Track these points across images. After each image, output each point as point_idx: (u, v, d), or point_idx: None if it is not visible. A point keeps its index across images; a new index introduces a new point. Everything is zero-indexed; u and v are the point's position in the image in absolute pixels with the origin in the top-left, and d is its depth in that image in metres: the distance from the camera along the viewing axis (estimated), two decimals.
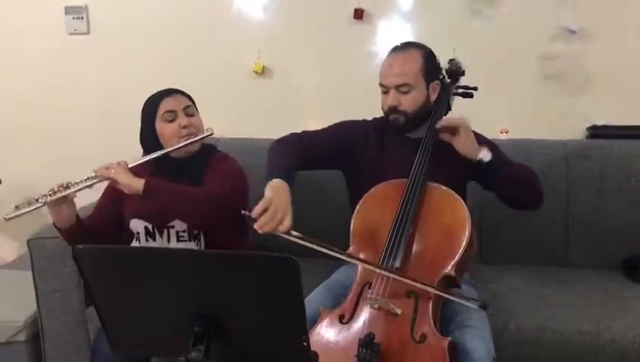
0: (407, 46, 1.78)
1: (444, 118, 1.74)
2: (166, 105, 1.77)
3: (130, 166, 1.68)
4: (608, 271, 2.15)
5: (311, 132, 1.86)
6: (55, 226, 1.71)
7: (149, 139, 1.79)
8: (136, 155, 1.80)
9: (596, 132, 2.39)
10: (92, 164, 2.59)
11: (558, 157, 2.24)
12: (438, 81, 1.78)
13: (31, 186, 2.87)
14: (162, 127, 1.77)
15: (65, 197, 1.63)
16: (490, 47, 2.44)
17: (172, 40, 2.66)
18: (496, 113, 2.46)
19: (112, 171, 1.64)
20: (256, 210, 1.43)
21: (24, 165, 2.85)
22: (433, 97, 1.78)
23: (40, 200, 1.60)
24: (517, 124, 2.45)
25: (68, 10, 2.68)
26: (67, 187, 1.62)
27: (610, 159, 2.22)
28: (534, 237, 2.22)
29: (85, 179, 1.64)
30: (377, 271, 1.50)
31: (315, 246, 1.42)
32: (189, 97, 1.84)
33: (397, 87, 1.72)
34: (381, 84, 1.77)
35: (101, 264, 1.12)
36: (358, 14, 2.48)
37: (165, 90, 1.82)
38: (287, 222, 1.44)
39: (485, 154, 1.65)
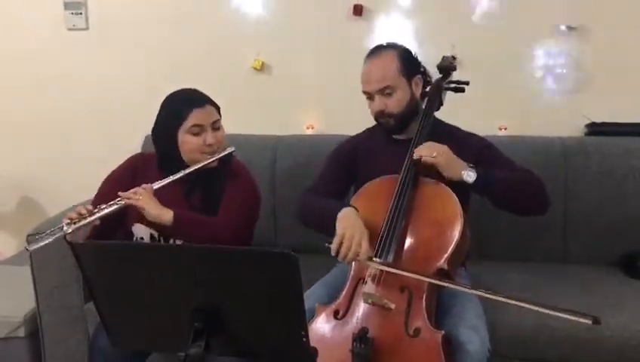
0: (380, 49, 1.78)
1: (421, 148, 1.64)
2: (196, 117, 1.66)
3: (155, 188, 1.62)
4: (607, 267, 2.16)
5: (317, 180, 1.88)
6: (66, 240, 1.58)
7: (165, 141, 1.70)
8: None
9: (595, 129, 2.39)
10: (90, 160, 2.62)
11: (557, 155, 2.24)
12: (419, 75, 1.78)
13: (29, 182, 2.89)
14: (186, 139, 1.67)
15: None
16: (489, 44, 2.44)
17: (171, 36, 2.65)
18: (495, 109, 2.46)
19: (140, 198, 1.59)
20: (333, 247, 1.50)
21: (22, 160, 2.85)
22: (418, 92, 1.78)
23: (65, 228, 1.53)
24: (516, 120, 2.45)
25: (67, 5, 2.68)
26: (92, 213, 1.56)
27: (609, 156, 2.22)
28: (533, 233, 2.22)
29: (110, 204, 1.58)
30: (374, 265, 1.50)
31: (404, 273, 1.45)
32: (218, 108, 1.74)
33: (380, 92, 1.72)
34: (364, 92, 1.77)
35: (101, 259, 1.12)
36: (358, 10, 2.48)
37: (197, 98, 1.70)
38: (365, 245, 1.49)
39: (468, 175, 1.59)
